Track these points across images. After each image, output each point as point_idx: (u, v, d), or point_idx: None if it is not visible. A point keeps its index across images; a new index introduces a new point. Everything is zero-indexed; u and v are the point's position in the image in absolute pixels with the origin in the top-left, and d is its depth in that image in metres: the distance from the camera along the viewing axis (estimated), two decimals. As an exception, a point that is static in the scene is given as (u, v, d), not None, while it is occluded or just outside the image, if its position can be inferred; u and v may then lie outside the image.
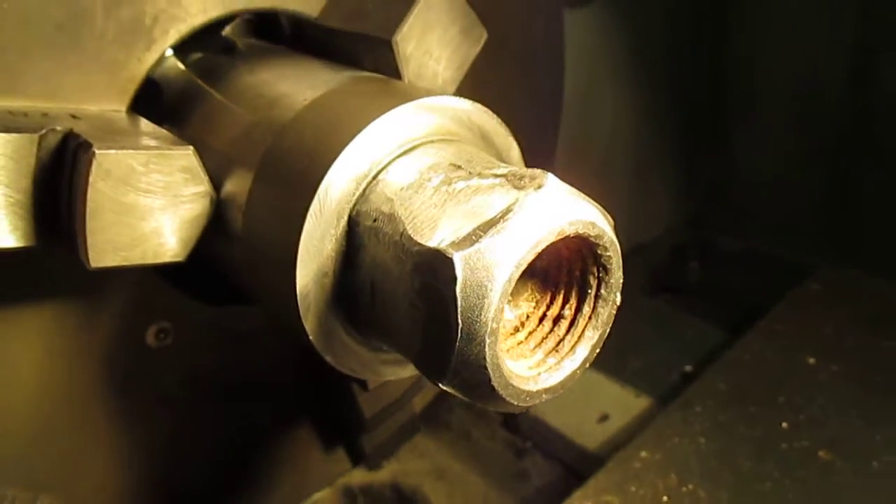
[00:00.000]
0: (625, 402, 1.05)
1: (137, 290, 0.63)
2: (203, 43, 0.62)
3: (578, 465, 1.01)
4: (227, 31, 0.68)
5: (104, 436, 0.67)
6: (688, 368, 1.09)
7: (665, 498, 0.75)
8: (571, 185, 0.43)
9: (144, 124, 0.55)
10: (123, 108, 0.57)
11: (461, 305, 0.39)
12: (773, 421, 0.83)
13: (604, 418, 1.04)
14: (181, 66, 0.63)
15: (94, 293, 0.61)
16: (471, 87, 0.64)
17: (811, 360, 0.92)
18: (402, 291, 0.42)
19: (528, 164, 0.53)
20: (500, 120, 0.52)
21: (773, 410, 0.85)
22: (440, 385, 0.42)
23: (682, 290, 1.47)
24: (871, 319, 0.99)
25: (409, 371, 0.54)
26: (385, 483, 1.06)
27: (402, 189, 0.45)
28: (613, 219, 0.44)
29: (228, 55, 0.64)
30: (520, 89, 0.87)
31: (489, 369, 0.40)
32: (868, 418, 0.82)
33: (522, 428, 1.10)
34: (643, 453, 0.80)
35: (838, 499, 0.74)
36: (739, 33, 1.46)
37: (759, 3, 1.42)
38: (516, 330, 0.48)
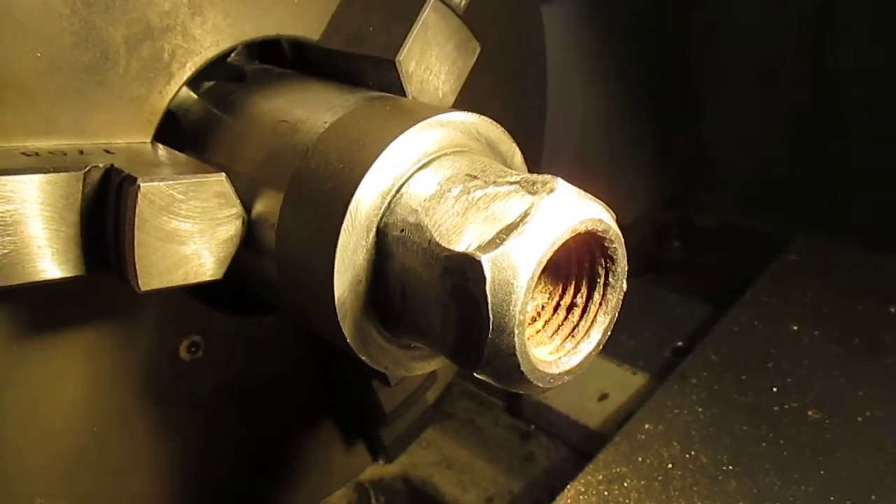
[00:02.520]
0: (622, 381, 1.10)
1: (170, 308, 0.67)
2: (212, 71, 0.66)
3: (582, 444, 1.07)
4: (231, 57, 0.72)
5: (143, 447, 0.71)
6: (679, 344, 1.15)
7: (670, 465, 0.80)
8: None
9: (171, 154, 0.59)
10: (148, 139, 0.60)
11: (491, 302, 0.43)
12: (764, 386, 0.89)
13: (603, 397, 1.10)
14: (194, 95, 0.67)
15: (131, 314, 0.64)
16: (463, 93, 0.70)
17: (794, 327, 0.98)
18: (433, 293, 0.47)
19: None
20: (503, 129, 0.57)
21: (763, 376, 0.90)
22: (474, 373, 0.47)
23: (666, 269, 1.53)
24: (845, 285, 1.05)
25: (435, 364, 0.59)
26: (395, 476, 1.10)
27: (424, 200, 0.49)
28: None
29: (239, 82, 0.68)
30: (506, 92, 0.91)
31: (518, 357, 0.45)
32: (850, 377, 0.89)
33: (525, 412, 1.15)
34: (647, 426, 0.85)
35: (829, 453, 0.80)
36: (700, 13, 1.52)
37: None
38: (533, 319, 0.53)
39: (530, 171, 0.59)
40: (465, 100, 0.69)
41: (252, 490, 0.83)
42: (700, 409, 0.87)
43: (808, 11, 1.35)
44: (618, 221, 0.49)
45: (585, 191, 0.48)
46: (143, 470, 0.72)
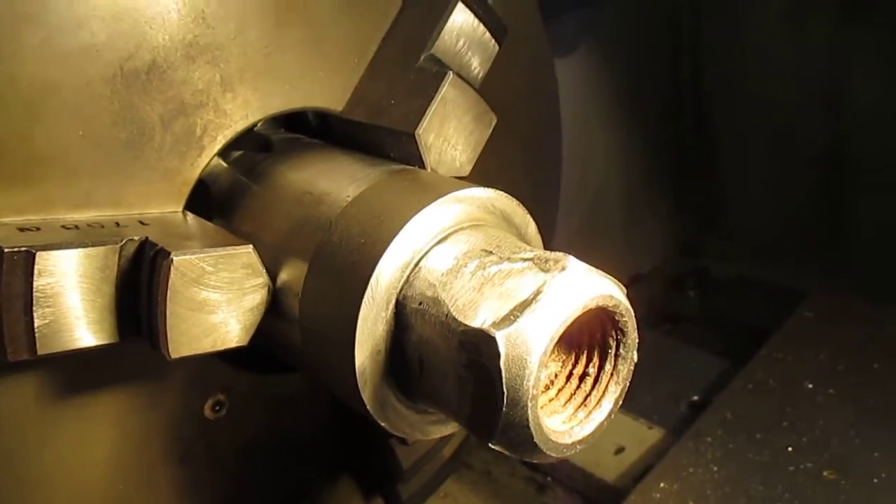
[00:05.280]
0: (639, 435, 1.11)
1: (196, 368, 0.69)
2: (241, 141, 0.69)
3: (598, 497, 1.07)
4: (259, 126, 0.75)
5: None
6: (695, 398, 1.16)
7: (685, 525, 0.81)
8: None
9: (201, 224, 0.62)
10: (180, 208, 0.63)
11: (505, 377, 0.45)
12: (779, 445, 0.89)
13: (620, 451, 1.10)
14: (224, 164, 0.70)
15: (159, 375, 0.67)
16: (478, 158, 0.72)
17: (809, 386, 0.99)
18: (450, 365, 0.49)
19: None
20: (518, 202, 0.59)
21: (778, 435, 0.91)
22: (489, 444, 0.49)
23: (681, 319, 1.54)
24: (860, 343, 1.06)
25: (451, 428, 0.60)
26: (412, 526, 1.11)
27: (442, 275, 0.51)
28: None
29: (266, 152, 0.71)
30: (522, 153, 0.94)
31: (532, 429, 0.47)
32: (865, 438, 0.89)
33: (542, 464, 1.16)
34: (662, 484, 0.86)
35: (844, 515, 0.80)
36: (718, 63, 1.55)
37: (732, 39, 1.51)
38: (546, 388, 0.54)
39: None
40: (481, 165, 0.72)
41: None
42: (715, 468, 0.87)
43: (826, 62, 1.38)
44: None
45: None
46: (165, 526, 0.73)
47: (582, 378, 0.54)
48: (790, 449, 0.89)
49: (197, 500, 0.74)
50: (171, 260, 0.52)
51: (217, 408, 0.72)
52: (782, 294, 1.36)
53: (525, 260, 0.50)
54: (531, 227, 0.61)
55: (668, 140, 1.65)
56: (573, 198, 1.38)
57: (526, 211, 0.60)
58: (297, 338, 0.58)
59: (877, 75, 1.32)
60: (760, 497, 0.83)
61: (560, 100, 1.04)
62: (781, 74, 1.46)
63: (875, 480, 0.84)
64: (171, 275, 0.52)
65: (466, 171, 0.70)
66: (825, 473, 0.85)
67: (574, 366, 0.55)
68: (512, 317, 0.46)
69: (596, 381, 0.54)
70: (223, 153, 0.70)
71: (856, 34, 1.32)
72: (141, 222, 0.59)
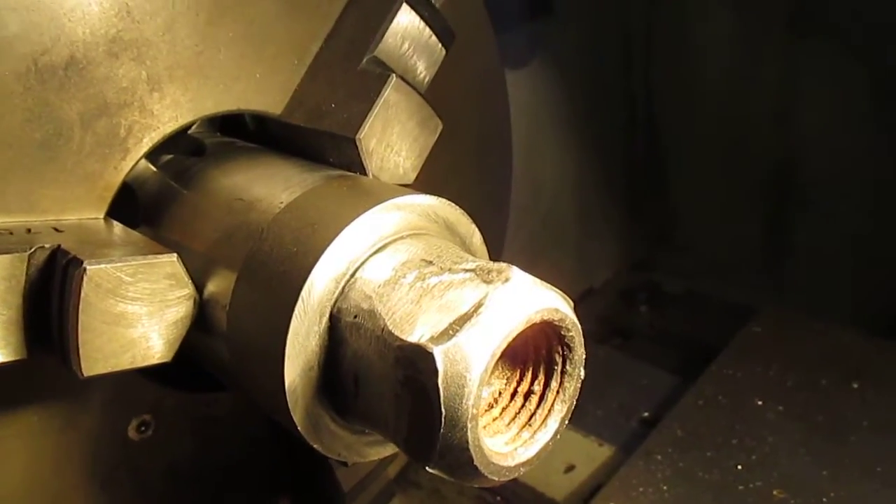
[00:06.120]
0: (589, 452, 1.09)
1: (119, 387, 0.64)
2: (171, 144, 0.65)
3: (548, 517, 1.05)
4: (192, 129, 0.72)
5: (87, 532, 0.68)
6: (645, 415, 1.15)
7: (635, 547, 0.78)
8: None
9: (124, 232, 0.58)
10: (101, 215, 0.59)
11: (443, 395, 0.42)
12: (729, 464, 0.88)
13: (570, 469, 1.08)
14: (153, 168, 0.66)
15: (76, 394, 0.62)
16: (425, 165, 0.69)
17: (759, 402, 0.98)
18: (387, 383, 0.46)
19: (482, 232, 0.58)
20: (462, 210, 0.56)
21: (727, 453, 0.90)
22: (426, 468, 0.46)
23: (633, 333, 1.53)
24: (808, 359, 1.06)
25: (390, 450, 0.57)
26: (359, 548, 1.07)
27: (379, 286, 0.48)
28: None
29: (198, 155, 0.67)
30: (470, 163, 0.92)
31: (472, 451, 0.44)
32: (814, 455, 0.88)
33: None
34: (611, 504, 0.83)
35: (794, 534, 0.79)
36: (670, 80, 1.55)
37: (684, 55, 1.52)
38: (490, 406, 0.51)
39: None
40: (429, 173, 0.69)
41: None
42: (665, 488, 0.85)
43: (775, 78, 1.39)
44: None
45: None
46: (85, 556, 0.68)
47: (527, 396, 0.51)
48: (740, 467, 0.88)
49: (120, 529, 0.69)
50: (85, 269, 0.48)
51: (142, 428, 0.67)
52: (732, 310, 1.36)
53: (467, 271, 0.47)
54: (476, 238, 0.58)
55: (621, 154, 1.65)
56: (525, 210, 1.36)
57: (471, 220, 0.57)
58: (225, 353, 0.54)
59: (824, 93, 1.34)
60: (711, 517, 0.82)
61: (512, 113, 1.03)
62: (732, 90, 1.47)
63: (824, 500, 0.83)
64: (84, 285, 0.48)
65: (411, 178, 0.67)
66: (775, 493, 0.84)
67: (519, 383, 0.52)
68: (451, 331, 0.43)
69: (541, 399, 0.51)
70: (151, 157, 0.66)
71: (805, 51, 1.33)
72: (56, 229, 0.55)
